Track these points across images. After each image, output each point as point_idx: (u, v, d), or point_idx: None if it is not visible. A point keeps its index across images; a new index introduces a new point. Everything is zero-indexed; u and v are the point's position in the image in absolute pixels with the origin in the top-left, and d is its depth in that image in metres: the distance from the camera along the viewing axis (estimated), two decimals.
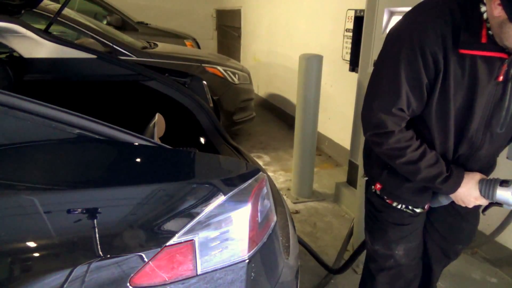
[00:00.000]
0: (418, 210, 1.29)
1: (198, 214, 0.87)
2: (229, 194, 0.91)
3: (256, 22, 6.14)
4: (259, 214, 0.98)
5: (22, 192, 0.85)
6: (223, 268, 0.91)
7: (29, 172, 0.92)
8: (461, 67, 1.02)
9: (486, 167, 1.25)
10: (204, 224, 0.88)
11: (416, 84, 1.06)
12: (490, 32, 0.98)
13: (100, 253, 0.80)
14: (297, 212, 2.85)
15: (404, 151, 1.12)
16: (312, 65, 2.74)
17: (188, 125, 2.01)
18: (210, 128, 1.99)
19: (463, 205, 1.19)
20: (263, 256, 1.00)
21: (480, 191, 1.13)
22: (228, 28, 7.59)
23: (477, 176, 1.15)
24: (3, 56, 2.23)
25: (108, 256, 0.81)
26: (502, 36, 0.95)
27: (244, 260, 0.93)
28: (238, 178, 0.99)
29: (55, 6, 3.28)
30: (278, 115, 5.31)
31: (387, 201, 1.29)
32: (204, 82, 2.26)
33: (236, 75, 3.97)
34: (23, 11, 2.22)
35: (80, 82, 2.14)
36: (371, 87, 1.16)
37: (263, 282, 1.01)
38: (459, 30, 0.99)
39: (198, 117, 2.01)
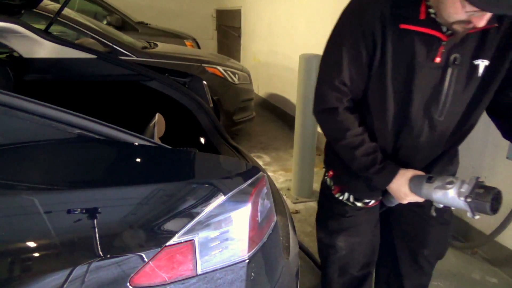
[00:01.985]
0: (359, 204, 1.29)
1: (198, 214, 0.87)
2: (229, 194, 0.91)
3: (256, 22, 6.14)
4: (259, 214, 0.98)
5: (22, 192, 0.85)
6: (223, 268, 0.91)
7: (29, 172, 0.92)
8: (399, 43, 1.04)
9: (430, 159, 1.21)
10: (204, 224, 0.88)
11: (356, 58, 1.09)
12: (431, 10, 0.99)
13: (100, 253, 0.80)
14: (297, 212, 2.85)
15: (345, 133, 1.14)
16: (312, 65, 2.73)
17: (188, 125, 2.01)
18: (210, 128, 1.99)
19: (400, 201, 1.19)
20: (263, 256, 1.00)
21: (410, 188, 1.12)
22: (228, 28, 7.59)
23: (410, 172, 1.14)
24: (3, 56, 2.23)
25: (108, 256, 0.81)
26: (440, 7, 0.95)
27: (244, 260, 0.93)
28: (238, 178, 0.99)
29: (55, 6, 3.28)
30: (278, 115, 5.31)
31: (332, 191, 1.32)
32: (204, 82, 2.26)
33: (236, 75, 3.96)
34: (23, 11, 2.22)
35: (80, 82, 2.14)
36: (320, 63, 1.20)
37: (263, 282, 1.01)
38: (400, 6, 1.02)
39: (198, 117, 2.01)
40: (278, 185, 2.93)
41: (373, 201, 1.29)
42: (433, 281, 2.09)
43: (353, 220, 1.33)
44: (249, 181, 0.97)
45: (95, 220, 0.83)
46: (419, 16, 1.00)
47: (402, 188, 1.13)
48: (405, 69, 1.05)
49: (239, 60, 6.60)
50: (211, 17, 8.42)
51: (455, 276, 2.14)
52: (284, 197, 2.43)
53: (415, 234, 1.35)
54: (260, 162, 3.70)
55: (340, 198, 1.31)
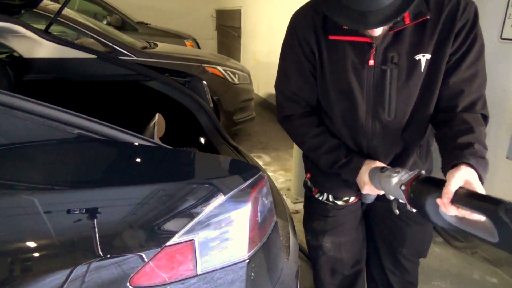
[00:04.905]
0: (339, 203, 1.28)
1: (198, 214, 0.87)
2: (229, 194, 0.91)
3: (256, 22, 6.14)
4: (259, 214, 0.98)
5: (22, 192, 0.85)
6: (223, 268, 0.91)
7: (29, 172, 0.92)
8: (333, 52, 1.08)
9: (392, 157, 1.19)
10: (204, 224, 0.88)
11: (299, 67, 1.14)
12: None
13: (100, 253, 0.80)
14: (297, 212, 2.85)
15: (304, 137, 1.20)
16: None
17: (188, 125, 2.01)
18: (210, 128, 1.99)
19: (362, 191, 1.18)
20: (263, 256, 1.00)
21: (369, 176, 1.11)
22: (228, 28, 7.59)
23: (374, 164, 1.13)
24: (3, 56, 2.23)
25: (108, 256, 0.81)
26: None
27: (244, 260, 0.93)
28: (238, 178, 0.99)
29: (55, 6, 3.28)
30: None
31: (312, 192, 1.34)
32: (204, 82, 2.25)
33: (236, 75, 3.97)
34: (23, 11, 2.22)
35: (80, 82, 2.14)
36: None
37: (263, 282, 1.01)
38: (327, 18, 1.05)
39: (198, 117, 2.01)
40: (278, 185, 2.93)
41: (352, 198, 1.29)
42: (433, 281, 2.09)
43: (336, 219, 1.33)
44: (249, 181, 0.97)
45: (95, 220, 0.83)
46: (343, 26, 1.01)
47: (363, 177, 1.13)
48: (343, 75, 1.08)
49: (239, 60, 6.60)
50: (211, 17, 8.42)
51: (455, 276, 2.14)
52: (284, 197, 2.43)
53: (393, 233, 1.36)
54: (260, 162, 3.70)
55: (320, 198, 1.31)
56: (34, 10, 2.63)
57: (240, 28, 6.95)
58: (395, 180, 1.01)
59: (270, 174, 3.34)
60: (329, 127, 1.21)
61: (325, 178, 1.28)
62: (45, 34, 2.07)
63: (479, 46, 1.02)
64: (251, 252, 0.94)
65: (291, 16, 1.17)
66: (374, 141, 1.15)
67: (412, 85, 1.06)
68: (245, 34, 6.81)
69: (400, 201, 1.04)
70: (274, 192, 1.47)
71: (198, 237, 0.87)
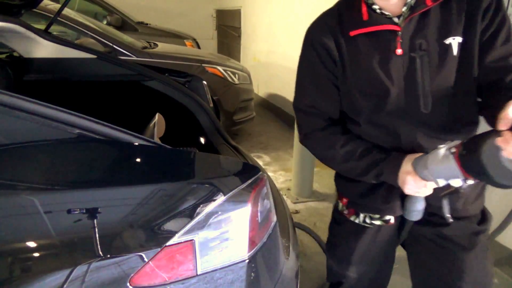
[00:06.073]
0: (377, 223, 1.15)
1: (198, 214, 0.87)
2: (229, 194, 0.91)
3: (256, 22, 6.14)
4: (259, 214, 0.98)
5: (22, 192, 0.85)
6: (223, 268, 0.91)
7: (29, 172, 0.92)
8: (354, 49, 1.01)
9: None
10: (204, 224, 0.88)
11: (318, 79, 1.08)
12: (374, 6, 0.98)
13: (100, 253, 0.80)
14: (297, 212, 2.84)
15: (332, 150, 1.08)
16: None
17: (188, 125, 2.01)
18: (210, 128, 1.99)
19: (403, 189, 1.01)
20: (263, 256, 1.00)
21: (413, 166, 0.96)
22: (228, 28, 7.59)
23: (418, 155, 0.99)
24: (3, 56, 2.23)
25: (108, 256, 0.81)
26: None
27: (244, 260, 0.93)
28: (238, 178, 0.99)
29: (55, 6, 3.28)
30: (278, 115, 5.31)
31: (347, 215, 1.22)
32: (204, 82, 2.25)
33: (236, 75, 3.97)
34: (23, 11, 2.22)
35: (80, 82, 2.14)
36: None
37: (263, 282, 1.01)
38: (343, 15, 1.03)
39: (198, 117, 2.01)
40: (278, 185, 2.93)
41: (392, 218, 1.14)
42: None
43: (368, 246, 1.21)
44: (249, 181, 0.97)
45: (95, 220, 0.83)
46: (363, 18, 0.98)
47: (406, 167, 0.98)
48: (369, 71, 1.00)
49: (239, 60, 6.60)
50: (211, 17, 8.43)
51: None
52: (284, 197, 2.43)
53: (446, 265, 1.11)
54: (260, 162, 3.70)
55: (356, 221, 1.19)
56: (34, 10, 2.63)
57: (240, 28, 6.95)
58: (442, 150, 0.88)
59: (270, 174, 3.34)
60: (357, 133, 1.10)
61: (365, 196, 1.14)
62: (45, 34, 2.07)
63: (508, 23, 0.95)
64: (251, 252, 0.94)
65: (306, 30, 1.10)
66: (412, 139, 1.02)
67: (446, 72, 0.96)
68: (245, 34, 6.81)
69: (452, 183, 0.88)
70: (274, 192, 1.47)
71: (198, 237, 0.87)
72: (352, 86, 1.04)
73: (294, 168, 3.05)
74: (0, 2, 1.97)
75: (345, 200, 1.22)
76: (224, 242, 0.91)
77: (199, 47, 6.23)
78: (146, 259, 0.83)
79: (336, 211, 1.29)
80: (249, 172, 1.01)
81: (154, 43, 4.18)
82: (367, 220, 1.17)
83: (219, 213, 0.89)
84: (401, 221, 1.16)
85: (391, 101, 1.00)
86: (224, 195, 0.91)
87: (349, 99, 1.07)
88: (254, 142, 4.40)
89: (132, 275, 0.82)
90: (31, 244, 0.80)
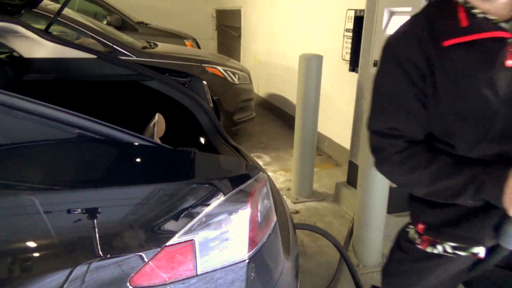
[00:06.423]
0: (463, 254, 0.98)
1: (198, 214, 0.87)
2: (229, 194, 0.91)
3: (256, 22, 6.14)
4: (259, 214, 0.98)
5: (22, 192, 0.85)
6: (223, 268, 0.91)
7: (29, 172, 0.92)
8: (449, 63, 0.85)
9: None
10: (204, 224, 0.88)
11: (401, 98, 0.92)
12: (475, 11, 0.82)
13: (100, 253, 0.80)
14: (297, 212, 2.84)
15: (416, 171, 0.93)
16: (312, 65, 2.73)
17: (188, 125, 2.01)
18: (210, 128, 1.99)
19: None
20: (263, 256, 1.00)
21: None
22: (228, 28, 7.59)
23: None
24: (3, 56, 2.23)
25: (108, 256, 0.81)
26: None
27: (244, 260, 0.93)
28: (238, 178, 0.99)
29: (55, 6, 3.28)
30: (278, 115, 5.31)
31: (420, 244, 1.05)
32: (204, 82, 2.26)
33: (236, 75, 3.97)
34: (23, 11, 2.22)
35: (80, 82, 2.14)
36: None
37: (263, 282, 1.01)
38: (436, 23, 0.86)
39: (198, 117, 2.01)
40: (278, 185, 2.93)
41: (482, 250, 0.96)
42: None
43: (433, 280, 1.07)
44: (249, 181, 0.97)
45: (95, 220, 0.83)
46: (460, 24, 0.82)
47: None
48: (469, 88, 0.84)
49: (239, 60, 6.60)
50: (211, 17, 8.42)
51: None
52: (284, 197, 2.43)
53: None
54: (260, 162, 3.70)
55: (435, 251, 1.02)
56: (34, 10, 2.63)
57: (240, 28, 6.95)
58: None
59: (270, 174, 3.34)
60: (447, 152, 0.93)
61: (451, 222, 0.97)
62: (45, 34, 2.07)
63: None
64: (251, 252, 0.94)
65: (384, 44, 0.94)
66: None
67: None
68: (245, 34, 6.81)
69: None
70: (274, 192, 1.47)
71: (198, 237, 0.87)
72: (446, 107, 0.86)
73: (294, 168, 3.05)
74: (0, 2, 1.97)
75: (421, 226, 1.04)
76: (224, 242, 0.91)
77: (199, 47, 6.23)
78: (146, 259, 0.83)
79: (403, 238, 1.11)
80: (249, 172, 1.01)
81: (154, 43, 4.18)
82: (448, 250, 1.00)
83: (219, 213, 0.89)
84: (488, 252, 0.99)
85: (499, 125, 0.83)
86: (224, 195, 0.91)
87: (442, 123, 0.89)
88: (254, 142, 4.40)
89: (132, 275, 0.82)
90: (31, 244, 0.80)
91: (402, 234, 1.12)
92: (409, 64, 0.87)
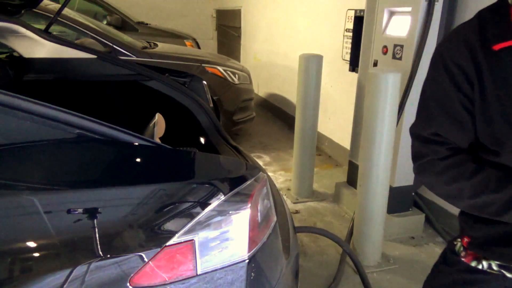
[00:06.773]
0: (509, 275, 0.92)
1: (198, 214, 0.87)
2: (229, 194, 0.91)
3: (256, 22, 6.14)
4: (259, 214, 0.98)
5: (22, 192, 0.85)
6: (223, 268, 0.91)
7: (29, 172, 0.92)
8: (500, 68, 0.82)
9: None
10: (204, 224, 0.88)
11: (447, 104, 0.89)
12: None
13: (100, 253, 0.80)
14: (297, 212, 2.85)
15: (459, 181, 0.89)
16: (312, 65, 2.74)
17: (188, 125, 2.01)
18: (210, 128, 1.99)
19: None
20: (263, 256, 1.00)
21: None
22: (228, 28, 7.59)
23: None
24: (3, 56, 2.23)
25: (108, 256, 0.81)
26: None
27: (244, 260, 0.93)
28: (238, 178, 0.99)
29: (55, 6, 3.28)
30: (278, 115, 5.31)
31: (463, 258, 1.01)
32: (204, 82, 2.26)
33: (236, 75, 3.97)
34: (23, 11, 2.22)
35: (80, 82, 2.14)
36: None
37: (263, 282, 1.01)
38: (486, 26, 0.83)
39: (198, 117, 2.01)
40: (278, 185, 2.93)
41: None
42: None
43: None
44: (249, 181, 0.97)
45: (95, 220, 0.83)
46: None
47: None
48: None
49: (239, 60, 6.60)
50: (211, 17, 8.43)
51: None
52: (284, 197, 2.43)
53: None
54: (260, 162, 3.70)
55: (479, 267, 0.97)
56: (34, 10, 2.63)
57: (240, 28, 6.95)
58: None
59: (270, 174, 3.34)
60: (495, 162, 0.89)
61: (498, 241, 0.93)
62: (45, 34, 2.07)
63: None
64: (251, 252, 0.94)
65: (434, 50, 0.92)
66: None
67: None
68: (245, 34, 6.81)
69: None
70: (274, 192, 1.47)
71: (198, 237, 0.87)
72: (496, 113, 0.83)
73: (294, 168, 3.05)
74: (0, 2, 1.97)
75: (466, 240, 1.00)
76: (224, 242, 0.91)
77: (199, 47, 6.23)
78: (146, 259, 0.83)
79: (450, 250, 1.07)
80: (249, 172, 1.01)
81: (154, 43, 4.18)
82: (494, 267, 0.95)
83: (219, 213, 0.90)
84: None
85: None
86: (224, 195, 0.91)
87: (491, 130, 0.85)
88: (254, 142, 4.40)
89: (132, 275, 0.82)
90: (31, 244, 0.81)
91: (449, 247, 1.08)
92: (456, 69, 0.85)
